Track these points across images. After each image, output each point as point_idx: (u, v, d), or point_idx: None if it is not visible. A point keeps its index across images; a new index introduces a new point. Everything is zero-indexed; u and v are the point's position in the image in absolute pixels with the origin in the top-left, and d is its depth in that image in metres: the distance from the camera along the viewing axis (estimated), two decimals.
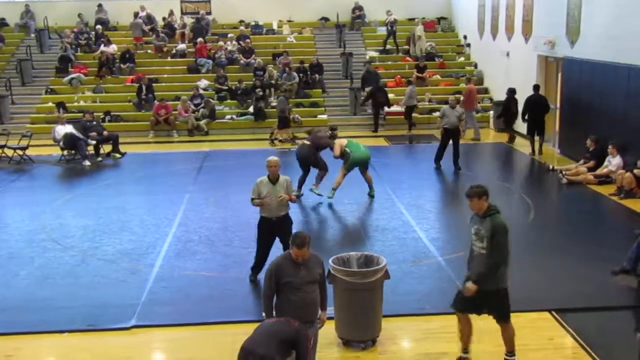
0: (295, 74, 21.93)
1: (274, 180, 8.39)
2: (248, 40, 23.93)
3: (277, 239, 8.58)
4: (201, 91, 21.49)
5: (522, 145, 17.37)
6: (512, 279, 8.83)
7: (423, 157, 16.98)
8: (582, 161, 14.36)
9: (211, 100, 20.97)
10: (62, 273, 9.31)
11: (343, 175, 12.53)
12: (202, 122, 20.26)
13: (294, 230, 7.82)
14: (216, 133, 20.21)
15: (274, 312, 5.92)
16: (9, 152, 16.85)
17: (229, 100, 21.74)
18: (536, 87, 16.64)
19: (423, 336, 7.32)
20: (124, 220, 11.75)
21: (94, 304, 8.25)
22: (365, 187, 12.85)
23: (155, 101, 20.63)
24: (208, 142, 19.33)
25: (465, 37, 24.70)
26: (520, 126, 17.84)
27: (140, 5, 24.98)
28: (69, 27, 24.38)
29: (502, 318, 6.44)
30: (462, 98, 18.38)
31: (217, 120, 20.65)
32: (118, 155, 17.28)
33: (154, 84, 21.85)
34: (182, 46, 23.89)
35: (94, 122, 17.93)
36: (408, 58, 23.99)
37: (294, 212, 9.80)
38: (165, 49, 23.93)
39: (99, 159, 16.99)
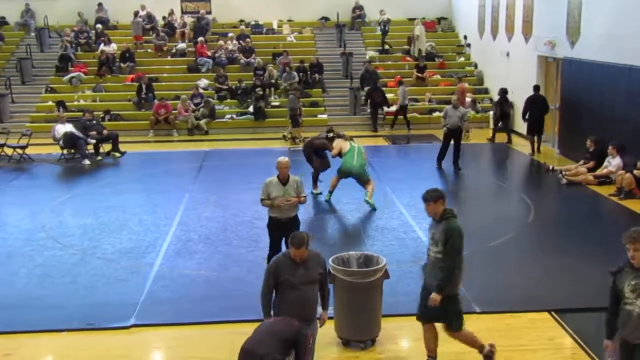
0: (295, 73, 21.94)
1: (283, 181, 8.17)
2: (248, 39, 23.94)
3: None
4: (201, 90, 21.49)
5: (521, 145, 17.39)
6: (513, 279, 8.88)
7: (423, 157, 17.00)
8: (581, 162, 14.36)
9: (211, 99, 20.96)
10: (62, 272, 9.31)
11: (336, 179, 12.46)
12: (202, 122, 20.26)
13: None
14: (216, 132, 20.21)
15: (271, 311, 5.91)
16: (9, 151, 16.85)
17: (228, 100, 21.74)
18: (536, 88, 16.68)
19: (422, 336, 7.29)
20: (123, 219, 11.74)
21: (94, 302, 8.25)
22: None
23: (155, 100, 20.62)
24: (208, 141, 19.32)
25: (465, 37, 24.70)
26: (520, 126, 17.89)
27: (140, 4, 24.97)
28: (69, 26, 24.37)
29: (454, 326, 6.38)
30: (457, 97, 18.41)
31: (217, 120, 20.66)
32: (118, 155, 17.27)
33: (154, 83, 21.85)
34: (182, 45, 23.89)
35: (94, 121, 17.94)
36: (408, 58, 23.99)
37: None
38: (165, 48, 23.93)
39: (99, 158, 16.98)
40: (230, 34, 24.25)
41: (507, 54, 19.99)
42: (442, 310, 6.23)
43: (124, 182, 14.95)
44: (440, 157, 15.13)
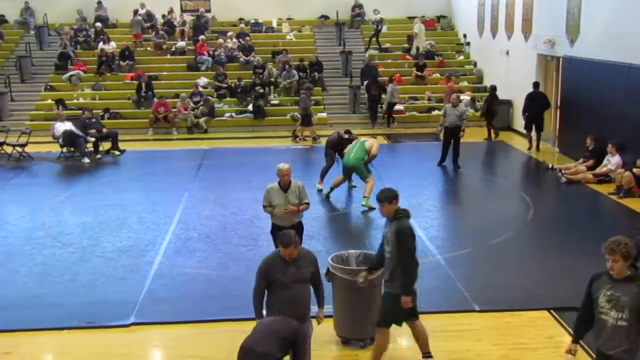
0: (294, 71, 21.93)
1: (284, 187, 7.95)
2: (248, 38, 23.93)
3: None
4: (200, 89, 21.48)
5: (519, 143, 17.43)
6: (512, 277, 8.89)
7: (422, 156, 17.01)
8: (581, 160, 14.37)
9: (210, 98, 20.95)
10: (61, 270, 9.31)
11: (341, 179, 12.60)
12: (202, 120, 20.25)
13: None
14: (215, 131, 20.20)
15: (264, 310, 5.90)
16: (8, 149, 16.85)
17: (228, 98, 21.73)
18: (536, 84, 16.78)
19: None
20: (123, 218, 11.74)
21: (93, 301, 8.26)
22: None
23: (155, 99, 20.62)
24: (207, 139, 19.32)
25: (464, 36, 24.69)
26: (520, 124, 17.95)
27: (140, 2, 24.96)
28: (68, 24, 24.36)
29: (380, 322, 6.40)
30: (461, 96, 18.46)
31: (216, 118, 20.64)
32: (117, 153, 17.26)
33: (153, 82, 21.84)
34: (181, 44, 23.89)
35: (93, 120, 17.94)
36: (407, 56, 23.97)
37: None
38: (164, 47, 23.92)
39: (98, 156, 16.98)
40: (229, 33, 24.25)
41: (507, 53, 19.98)
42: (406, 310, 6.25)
43: (123, 180, 14.95)
44: (442, 157, 15.14)
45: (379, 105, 20.60)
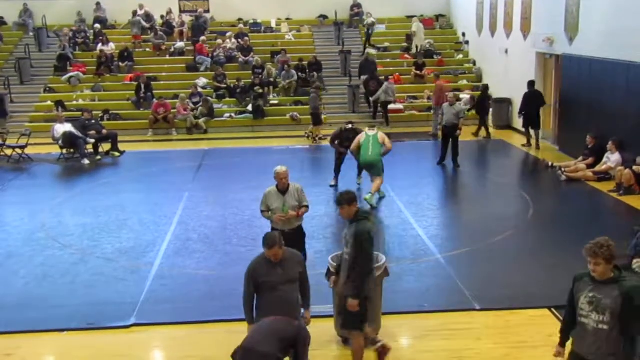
0: (294, 71, 21.93)
1: (283, 191, 7.71)
2: (247, 38, 23.93)
3: None
4: (200, 89, 21.48)
5: (519, 142, 17.46)
6: (512, 276, 8.88)
7: (422, 155, 17.01)
8: (581, 158, 14.37)
9: (209, 98, 20.95)
10: (61, 271, 9.31)
11: (359, 176, 12.81)
12: (201, 121, 20.26)
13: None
14: (215, 131, 20.21)
15: (254, 314, 5.88)
16: (8, 151, 16.85)
17: (227, 99, 21.73)
18: (532, 83, 16.90)
19: (422, 334, 7.32)
20: (123, 219, 11.75)
21: (94, 302, 8.26)
22: (366, 186, 12.86)
23: (154, 99, 20.62)
24: (207, 140, 19.32)
25: (463, 35, 24.68)
26: (518, 122, 17.99)
27: (138, 3, 24.95)
28: (67, 26, 24.35)
29: (352, 326, 6.32)
30: (454, 94, 18.50)
31: (216, 119, 20.65)
32: (117, 154, 17.27)
33: (152, 83, 21.84)
34: (180, 44, 23.88)
35: (93, 121, 17.96)
36: (406, 56, 23.97)
37: None
38: (163, 48, 23.92)
39: (98, 157, 16.99)
40: (228, 33, 24.24)
41: (506, 51, 19.98)
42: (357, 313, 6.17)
43: (123, 181, 14.96)
44: (442, 156, 15.15)
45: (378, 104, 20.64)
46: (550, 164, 14.72)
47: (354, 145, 12.40)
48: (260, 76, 21.81)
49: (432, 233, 10.65)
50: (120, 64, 22.89)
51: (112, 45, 23.50)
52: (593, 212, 12.07)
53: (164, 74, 23.04)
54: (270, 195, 7.77)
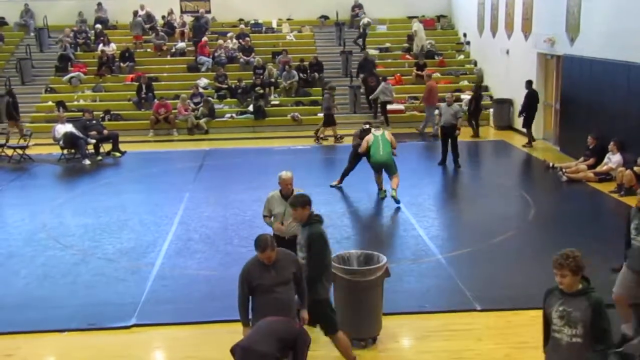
0: (295, 72, 21.93)
1: (286, 196, 7.44)
2: (248, 38, 23.93)
3: None
4: (201, 90, 21.48)
5: (520, 142, 17.49)
6: (514, 276, 8.88)
7: (422, 155, 17.01)
8: (582, 159, 14.36)
9: (210, 99, 20.96)
10: (62, 272, 9.32)
11: (378, 177, 12.58)
12: (202, 121, 20.26)
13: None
14: (216, 132, 20.21)
15: (250, 317, 5.86)
16: (9, 152, 16.86)
17: (228, 99, 21.74)
18: (530, 83, 17.09)
19: (423, 334, 7.32)
20: (124, 219, 11.75)
21: (94, 302, 8.26)
22: (366, 186, 12.84)
23: (155, 100, 20.63)
24: (208, 140, 19.33)
25: (465, 35, 24.67)
26: (518, 122, 18.05)
27: (140, 4, 24.96)
28: (68, 26, 24.36)
29: (329, 330, 6.35)
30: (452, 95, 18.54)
31: (217, 119, 20.65)
32: (118, 154, 17.28)
33: (153, 83, 21.85)
34: (181, 45, 23.89)
35: (94, 121, 17.96)
36: (408, 56, 23.97)
37: None
38: (164, 48, 23.93)
39: (99, 157, 16.99)
40: (229, 33, 24.24)
41: (507, 52, 19.97)
42: (316, 316, 6.19)
43: (124, 182, 14.96)
44: (443, 157, 15.16)
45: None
46: (551, 164, 14.71)
47: (363, 146, 12.36)
48: (261, 76, 21.82)
49: (433, 233, 10.64)
50: (122, 64, 22.90)
51: (113, 45, 23.51)
52: (594, 213, 12.06)
53: (165, 74, 23.05)
54: (273, 200, 7.65)
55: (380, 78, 20.62)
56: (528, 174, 15.66)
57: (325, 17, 26.11)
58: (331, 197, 12.70)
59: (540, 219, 11.43)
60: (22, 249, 10.33)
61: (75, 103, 21.27)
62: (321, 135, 18.62)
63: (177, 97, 20.94)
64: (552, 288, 4.79)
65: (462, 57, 24.18)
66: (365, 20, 24.41)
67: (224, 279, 8.91)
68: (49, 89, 22.05)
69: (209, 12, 25.45)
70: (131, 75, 22.40)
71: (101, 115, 20.11)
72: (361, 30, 24.33)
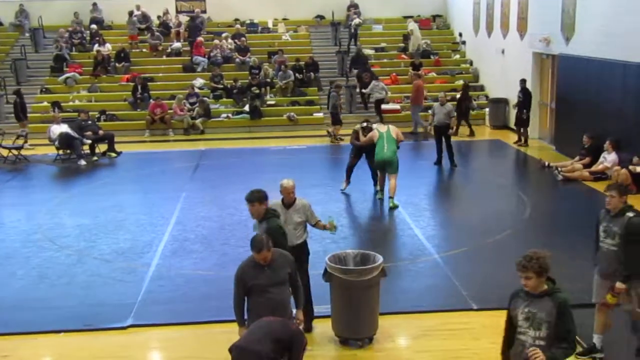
0: (290, 72, 21.93)
1: (287, 205, 7.24)
2: (243, 38, 23.92)
3: None
4: (197, 90, 21.47)
5: (514, 141, 17.53)
6: (510, 276, 8.84)
7: (418, 155, 17.02)
8: (577, 158, 14.39)
9: (206, 99, 20.94)
10: (58, 272, 9.30)
11: (381, 177, 12.40)
12: (198, 121, 20.25)
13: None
14: (212, 132, 20.20)
15: (245, 318, 5.86)
16: (4, 152, 16.82)
17: (224, 99, 21.72)
18: (524, 81, 17.23)
19: (420, 333, 7.33)
20: (120, 220, 11.74)
21: (91, 303, 8.25)
22: (363, 186, 12.85)
23: (151, 100, 20.61)
24: (204, 140, 19.31)
25: (460, 35, 24.71)
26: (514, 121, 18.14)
27: (135, 4, 24.92)
28: (63, 26, 24.31)
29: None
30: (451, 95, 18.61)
31: (212, 119, 20.64)
32: (114, 155, 17.25)
33: (149, 83, 21.81)
34: (177, 45, 23.86)
35: (90, 122, 17.92)
36: (403, 56, 23.99)
37: None
38: (160, 48, 23.89)
39: (95, 158, 16.96)
40: (225, 33, 24.23)
41: (502, 51, 20.01)
42: None
43: (120, 182, 14.94)
44: (438, 156, 15.17)
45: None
46: (547, 163, 14.74)
47: (365, 140, 12.29)
48: (257, 76, 21.81)
49: (429, 233, 10.65)
50: (117, 64, 22.87)
51: (108, 45, 23.47)
52: (589, 212, 11.99)
53: (160, 74, 23.02)
54: (275, 208, 7.28)
55: (372, 76, 20.68)
56: (524, 173, 15.69)
57: (321, 17, 26.11)
58: (327, 196, 12.70)
59: (536, 218, 11.46)
60: (18, 250, 10.31)
61: (71, 103, 21.23)
62: (334, 134, 18.57)
63: (172, 97, 20.91)
64: (518, 290, 4.74)
65: (457, 56, 24.21)
66: (356, 20, 24.41)
67: (220, 279, 8.91)
68: (44, 90, 22.00)
69: (204, 12, 25.44)
70: (127, 76, 22.37)
71: (97, 116, 20.06)
72: (352, 30, 24.33)
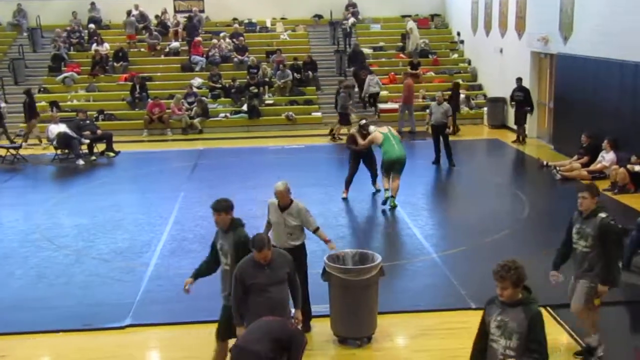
0: (289, 71, 21.92)
1: (282, 207, 7.18)
2: (242, 38, 23.91)
3: None
4: (195, 89, 21.46)
5: (510, 140, 17.54)
6: None
7: (416, 154, 17.01)
8: (575, 157, 14.40)
9: (204, 98, 20.93)
10: (57, 272, 9.30)
11: (387, 180, 11.91)
12: (196, 121, 20.24)
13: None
14: (210, 131, 20.18)
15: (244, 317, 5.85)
16: (2, 152, 16.80)
17: (222, 99, 21.71)
18: (520, 80, 17.30)
19: (418, 333, 7.33)
20: (118, 219, 11.73)
21: (89, 303, 8.24)
22: (361, 185, 12.84)
23: (149, 100, 20.59)
24: (202, 140, 19.30)
25: (458, 34, 24.72)
26: (512, 120, 18.15)
27: (133, 3, 24.91)
28: (61, 26, 24.28)
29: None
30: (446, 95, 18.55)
31: (211, 119, 20.63)
32: (112, 154, 17.24)
33: (147, 83, 21.80)
34: (175, 44, 23.85)
35: (88, 121, 17.91)
36: (402, 55, 23.99)
37: None
38: (158, 47, 23.87)
39: (93, 158, 16.94)
40: (223, 33, 24.22)
41: (501, 50, 20.02)
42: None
43: (118, 181, 14.93)
44: (436, 154, 15.17)
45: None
46: (545, 163, 14.75)
47: (366, 142, 12.00)
48: (256, 76, 21.81)
49: (427, 232, 10.66)
50: (115, 64, 22.84)
51: (106, 45, 23.45)
52: None
53: (158, 74, 23.00)
54: (272, 208, 7.33)
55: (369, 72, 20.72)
56: (522, 172, 15.70)
57: (319, 16, 26.11)
58: (325, 196, 12.69)
59: (534, 217, 11.46)
60: (16, 249, 10.30)
61: (69, 103, 21.21)
62: (337, 134, 18.55)
63: (171, 96, 20.90)
64: (493, 297, 4.70)
65: (456, 56, 24.21)
66: (351, 20, 24.40)
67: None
68: (42, 89, 21.97)
69: (202, 11, 25.43)
70: (125, 75, 22.35)
71: (95, 115, 20.04)
72: (347, 30, 24.31)
